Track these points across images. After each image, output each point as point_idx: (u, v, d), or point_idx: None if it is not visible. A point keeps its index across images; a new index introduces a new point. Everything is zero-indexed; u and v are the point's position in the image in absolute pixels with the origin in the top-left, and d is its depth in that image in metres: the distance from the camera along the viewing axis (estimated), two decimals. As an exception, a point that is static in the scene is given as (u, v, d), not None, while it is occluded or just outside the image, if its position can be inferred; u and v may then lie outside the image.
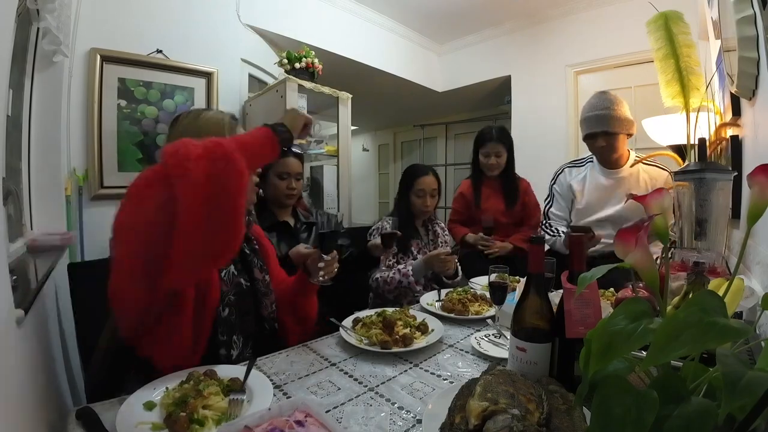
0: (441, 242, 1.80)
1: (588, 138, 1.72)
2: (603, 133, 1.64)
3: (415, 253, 1.69)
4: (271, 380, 0.78)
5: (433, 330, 1.03)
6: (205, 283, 0.86)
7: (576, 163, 1.87)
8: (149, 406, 0.67)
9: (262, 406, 0.65)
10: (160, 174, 0.69)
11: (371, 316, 1.06)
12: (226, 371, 0.78)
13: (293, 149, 1.44)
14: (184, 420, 0.61)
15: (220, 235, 0.70)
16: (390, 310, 1.10)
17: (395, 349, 0.92)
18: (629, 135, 1.68)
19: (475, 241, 1.99)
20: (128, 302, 0.76)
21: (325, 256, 1.04)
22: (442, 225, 1.90)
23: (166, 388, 0.70)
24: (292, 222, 1.57)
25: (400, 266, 1.58)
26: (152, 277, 0.71)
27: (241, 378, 0.74)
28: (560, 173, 1.90)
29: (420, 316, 1.09)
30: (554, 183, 1.91)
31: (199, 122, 0.97)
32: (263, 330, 1.00)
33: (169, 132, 0.99)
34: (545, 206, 1.95)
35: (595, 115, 1.65)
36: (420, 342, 0.96)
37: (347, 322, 1.06)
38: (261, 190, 1.48)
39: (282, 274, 1.17)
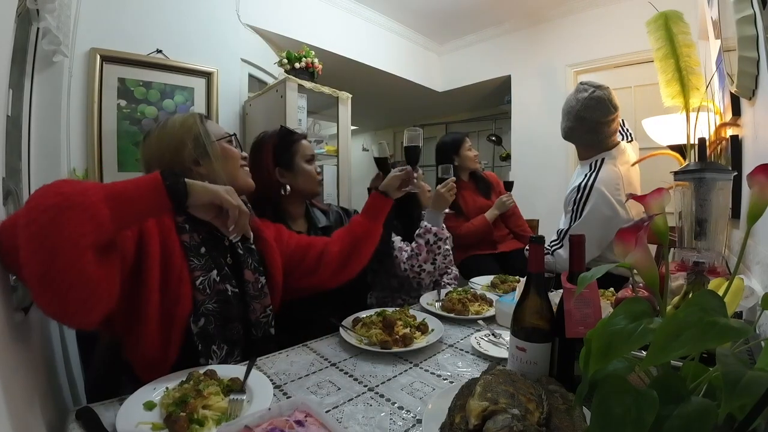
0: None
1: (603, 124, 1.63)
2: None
3: None
4: (271, 380, 0.78)
5: (433, 330, 1.03)
6: (174, 294, 0.82)
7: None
8: (149, 406, 0.67)
9: (262, 406, 0.65)
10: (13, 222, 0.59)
11: (371, 316, 1.05)
12: (226, 371, 0.78)
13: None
14: (184, 420, 0.61)
15: (68, 293, 0.58)
16: (390, 310, 1.10)
17: (395, 349, 0.92)
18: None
19: (499, 207, 2.05)
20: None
21: (407, 168, 1.16)
22: None
23: (166, 388, 0.70)
24: (305, 227, 1.40)
25: (417, 230, 1.50)
26: None
27: (241, 378, 0.74)
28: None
29: (420, 316, 1.09)
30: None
31: (166, 130, 0.95)
32: (250, 336, 0.96)
33: (142, 146, 0.98)
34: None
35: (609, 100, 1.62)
36: (420, 342, 0.96)
37: (347, 322, 1.06)
38: (288, 187, 1.30)
39: (304, 239, 1.18)
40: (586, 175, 1.59)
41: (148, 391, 0.70)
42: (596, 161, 1.62)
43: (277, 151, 1.30)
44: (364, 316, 1.07)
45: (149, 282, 0.79)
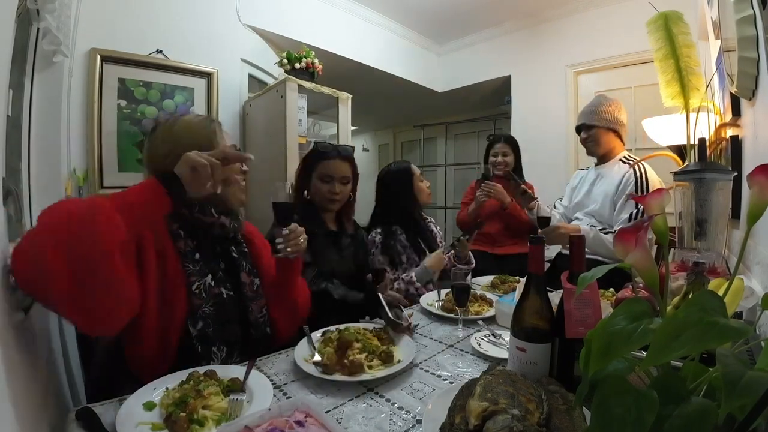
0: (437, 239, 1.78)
1: (577, 132, 1.84)
2: (583, 126, 1.75)
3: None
4: (271, 380, 0.78)
5: (399, 361, 0.85)
6: (171, 300, 0.83)
7: (585, 168, 1.97)
8: (149, 406, 0.67)
9: (262, 406, 0.65)
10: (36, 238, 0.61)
11: (334, 331, 0.95)
12: (226, 371, 0.78)
13: (340, 150, 1.43)
14: (184, 420, 0.61)
15: (100, 297, 0.63)
16: (355, 327, 0.99)
17: (337, 377, 0.78)
18: (614, 131, 1.73)
19: (478, 197, 2.01)
20: None
21: (284, 229, 0.99)
22: (434, 221, 1.87)
23: (166, 388, 0.71)
24: (334, 227, 1.47)
25: (404, 275, 1.53)
26: None
27: (241, 378, 0.74)
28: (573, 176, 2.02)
29: (398, 338, 0.96)
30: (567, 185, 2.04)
31: (175, 128, 0.93)
32: (249, 336, 0.96)
33: (147, 141, 0.95)
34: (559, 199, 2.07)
35: (582, 112, 1.80)
36: (375, 372, 0.81)
37: (318, 333, 0.99)
38: (306, 192, 1.44)
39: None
40: (635, 168, 1.64)
41: (148, 392, 0.70)
42: (626, 157, 1.72)
43: (305, 162, 1.49)
44: (333, 329, 0.98)
45: (147, 288, 0.80)
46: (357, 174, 1.52)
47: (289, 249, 0.99)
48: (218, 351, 0.89)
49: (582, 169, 1.97)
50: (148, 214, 0.74)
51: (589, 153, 1.80)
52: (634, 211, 1.56)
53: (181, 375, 0.75)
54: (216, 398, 0.68)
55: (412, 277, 1.50)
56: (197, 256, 0.91)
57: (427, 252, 1.62)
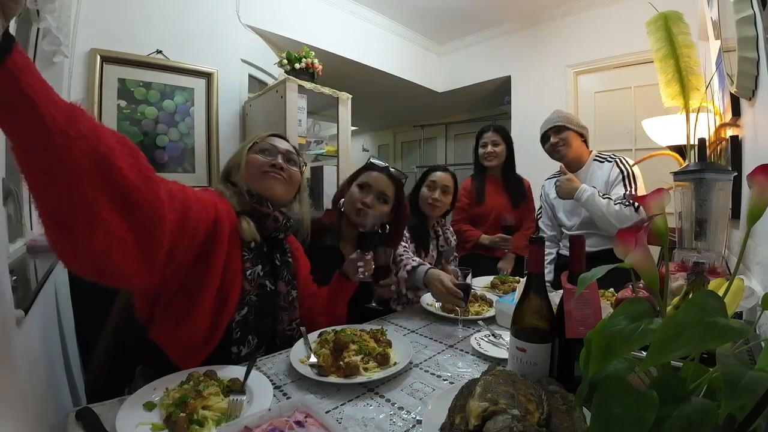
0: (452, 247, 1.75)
1: (544, 142, 1.84)
2: (553, 129, 1.77)
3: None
4: (270, 381, 0.78)
5: (395, 363, 0.85)
6: (230, 281, 0.86)
7: (553, 176, 1.94)
8: (149, 406, 0.67)
9: (261, 406, 0.65)
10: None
11: (330, 332, 0.94)
12: (226, 372, 0.78)
13: (391, 169, 1.35)
14: (184, 421, 0.61)
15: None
16: (351, 328, 0.97)
17: (332, 379, 0.78)
18: (580, 135, 1.77)
19: (493, 243, 1.95)
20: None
21: (366, 254, 1.07)
22: (452, 231, 1.83)
23: (166, 388, 0.70)
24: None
25: (407, 265, 1.36)
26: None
27: (241, 378, 0.74)
28: (542, 187, 2.00)
29: (395, 338, 0.96)
30: (540, 197, 2.02)
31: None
32: (274, 342, 0.98)
33: None
34: (537, 216, 2.04)
35: (548, 120, 1.82)
36: (369, 374, 0.81)
37: (314, 334, 0.97)
38: (341, 202, 1.34)
39: (313, 287, 1.17)
40: (617, 162, 1.69)
41: (148, 392, 0.70)
42: (600, 155, 1.78)
43: (351, 175, 1.41)
44: (330, 330, 0.97)
45: (215, 266, 0.83)
46: (401, 202, 1.37)
47: (366, 273, 1.07)
48: (251, 340, 0.92)
49: (549, 178, 1.95)
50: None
51: (558, 158, 1.80)
52: (625, 192, 1.58)
53: (181, 375, 0.75)
54: (216, 398, 0.68)
55: (405, 273, 1.35)
56: (252, 244, 0.93)
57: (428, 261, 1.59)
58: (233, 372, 0.77)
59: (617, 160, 1.67)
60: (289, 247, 1.08)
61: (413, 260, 1.37)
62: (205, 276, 0.82)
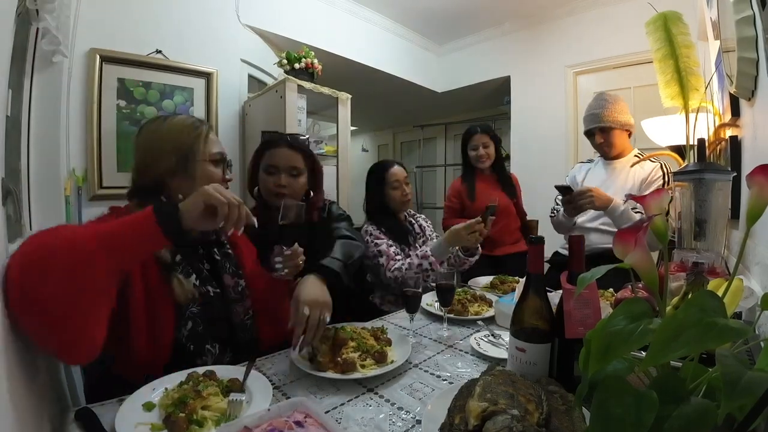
0: (429, 235, 1.78)
1: (588, 136, 1.82)
2: (598, 129, 1.73)
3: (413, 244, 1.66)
4: (270, 381, 0.78)
5: (392, 362, 0.87)
6: (158, 304, 0.83)
7: (587, 161, 1.95)
8: (148, 406, 0.67)
9: (261, 406, 0.65)
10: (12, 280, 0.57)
11: (330, 330, 0.95)
12: (226, 372, 0.78)
13: (289, 138, 1.29)
14: (183, 421, 0.61)
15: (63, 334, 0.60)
16: (351, 327, 0.98)
17: (330, 375, 0.81)
18: (627, 131, 1.73)
19: (466, 228, 1.95)
20: None
21: (285, 249, 0.97)
22: (424, 217, 1.88)
23: (166, 388, 0.70)
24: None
25: (418, 251, 1.47)
26: None
27: (241, 378, 0.74)
28: (572, 169, 2.00)
29: (393, 335, 0.99)
30: (567, 177, 2.01)
31: (163, 129, 0.92)
32: (236, 337, 0.96)
33: (135, 141, 0.94)
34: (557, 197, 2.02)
35: (591, 114, 1.75)
36: (366, 371, 0.82)
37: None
38: (257, 188, 1.31)
39: (262, 270, 1.09)
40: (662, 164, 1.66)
41: (148, 392, 0.70)
42: (639, 154, 1.74)
43: (253, 156, 1.35)
44: (330, 327, 0.97)
45: (135, 296, 0.80)
46: (316, 167, 1.34)
47: (286, 270, 0.98)
48: (212, 348, 0.90)
49: (583, 162, 1.95)
50: (139, 254, 0.69)
51: (604, 156, 1.79)
52: None
53: (181, 375, 0.74)
54: (215, 399, 0.68)
55: (426, 251, 1.43)
56: (177, 258, 0.89)
57: (408, 248, 1.63)
58: (233, 372, 0.77)
59: (662, 163, 1.66)
60: (226, 239, 1.03)
61: (419, 251, 1.46)
62: (130, 307, 0.79)
